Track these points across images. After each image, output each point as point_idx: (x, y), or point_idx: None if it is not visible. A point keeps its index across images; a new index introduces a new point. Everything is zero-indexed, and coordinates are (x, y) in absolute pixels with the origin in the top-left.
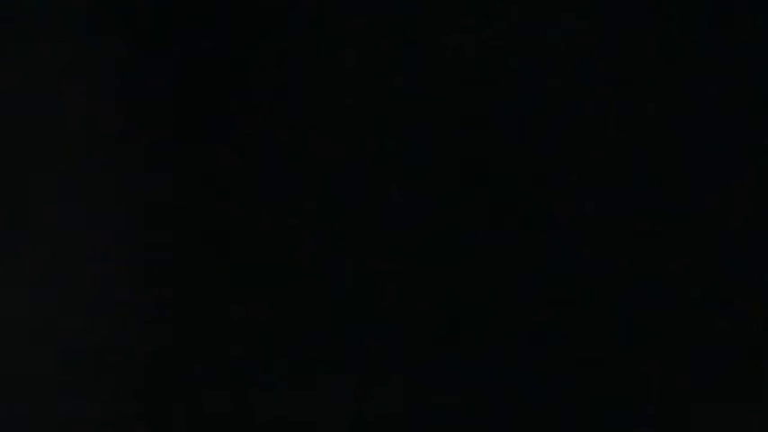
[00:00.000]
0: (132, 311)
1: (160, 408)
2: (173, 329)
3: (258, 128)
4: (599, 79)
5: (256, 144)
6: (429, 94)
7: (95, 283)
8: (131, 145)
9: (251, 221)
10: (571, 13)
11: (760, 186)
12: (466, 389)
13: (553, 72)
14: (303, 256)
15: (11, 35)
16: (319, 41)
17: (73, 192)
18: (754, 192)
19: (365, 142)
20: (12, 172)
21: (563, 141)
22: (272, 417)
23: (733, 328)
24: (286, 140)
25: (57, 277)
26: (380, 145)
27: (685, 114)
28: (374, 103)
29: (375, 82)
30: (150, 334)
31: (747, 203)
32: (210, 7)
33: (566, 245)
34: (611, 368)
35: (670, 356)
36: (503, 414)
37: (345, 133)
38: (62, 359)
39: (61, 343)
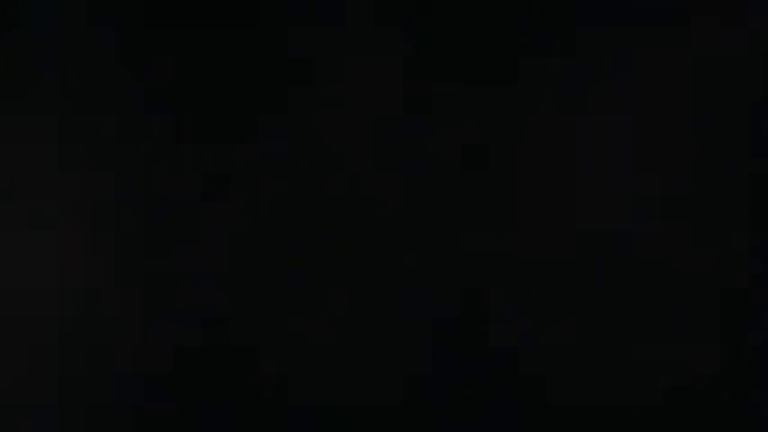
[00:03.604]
0: (130, 311)
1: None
2: (171, 331)
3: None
4: None
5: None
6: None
7: (95, 283)
8: (131, 145)
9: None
10: None
11: None
12: None
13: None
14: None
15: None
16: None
17: (73, 191)
18: None
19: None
20: (10, 169)
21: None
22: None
23: None
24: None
25: (57, 276)
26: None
27: None
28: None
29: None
30: (149, 335)
31: None
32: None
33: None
34: None
35: None
36: None
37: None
38: (61, 359)
39: (61, 342)
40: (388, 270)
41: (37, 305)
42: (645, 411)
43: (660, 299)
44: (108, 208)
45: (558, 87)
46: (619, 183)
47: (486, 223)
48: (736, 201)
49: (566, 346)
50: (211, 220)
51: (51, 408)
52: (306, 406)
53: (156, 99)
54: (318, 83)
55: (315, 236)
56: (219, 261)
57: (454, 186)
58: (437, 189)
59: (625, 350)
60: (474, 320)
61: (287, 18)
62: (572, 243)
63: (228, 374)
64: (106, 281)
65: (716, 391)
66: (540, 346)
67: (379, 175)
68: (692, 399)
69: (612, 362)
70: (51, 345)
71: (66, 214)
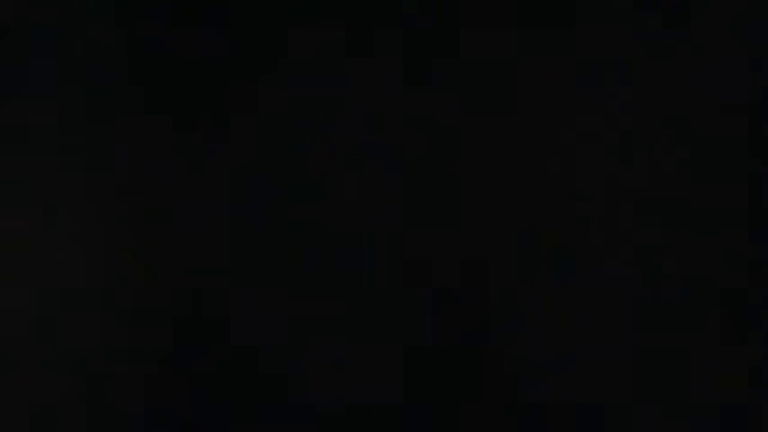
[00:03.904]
0: (132, 312)
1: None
2: (172, 330)
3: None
4: None
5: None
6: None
7: (93, 282)
8: (132, 144)
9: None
10: None
11: None
12: None
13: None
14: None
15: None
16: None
17: (73, 191)
18: None
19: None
20: (11, 168)
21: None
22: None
23: None
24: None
25: (57, 276)
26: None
27: None
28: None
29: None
30: (150, 335)
31: None
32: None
33: None
34: None
35: None
36: None
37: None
38: (62, 359)
39: (62, 342)
40: (385, 259)
41: (37, 305)
42: (645, 409)
43: (659, 298)
44: (105, 206)
45: (559, 88)
46: (617, 183)
47: (486, 223)
48: (736, 201)
49: (564, 341)
50: (212, 218)
51: (51, 408)
52: (305, 394)
53: (154, 99)
54: (318, 82)
55: (314, 227)
56: (218, 255)
57: (453, 182)
58: (436, 184)
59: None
60: (474, 314)
61: (286, 17)
62: (571, 242)
63: (228, 350)
64: (105, 280)
65: (716, 391)
66: (539, 340)
67: (378, 168)
68: (691, 398)
69: (610, 354)
70: (52, 345)
71: (56, 212)
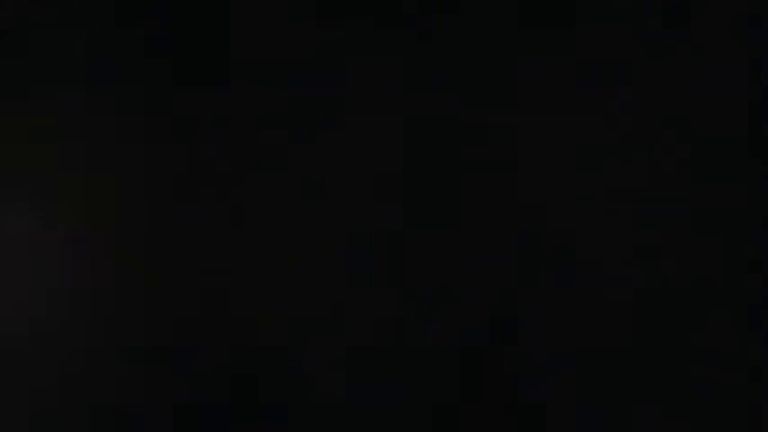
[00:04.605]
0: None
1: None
2: (172, 330)
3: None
4: None
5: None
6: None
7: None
8: (132, 144)
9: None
10: None
11: None
12: None
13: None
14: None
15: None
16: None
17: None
18: None
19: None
20: (11, 168)
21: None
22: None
23: None
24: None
25: (56, 276)
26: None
27: None
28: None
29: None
30: (150, 330)
31: None
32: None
33: None
34: None
35: None
36: None
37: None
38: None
39: (62, 342)
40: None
41: (37, 305)
42: (648, 410)
43: (659, 298)
44: (105, 206)
45: (558, 88)
46: (617, 183)
47: (486, 223)
48: (736, 201)
49: (568, 350)
50: (212, 217)
51: (51, 408)
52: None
53: (154, 99)
54: (319, 82)
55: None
56: (217, 255)
57: (453, 182)
58: (436, 184)
59: (631, 363)
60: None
61: (286, 17)
62: (571, 242)
63: (229, 377)
64: (105, 280)
65: (716, 391)
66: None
67: (378, 167)
68: (691, 398)
69: (616, 366)
70: (51, 345)
71: (56, 212)
